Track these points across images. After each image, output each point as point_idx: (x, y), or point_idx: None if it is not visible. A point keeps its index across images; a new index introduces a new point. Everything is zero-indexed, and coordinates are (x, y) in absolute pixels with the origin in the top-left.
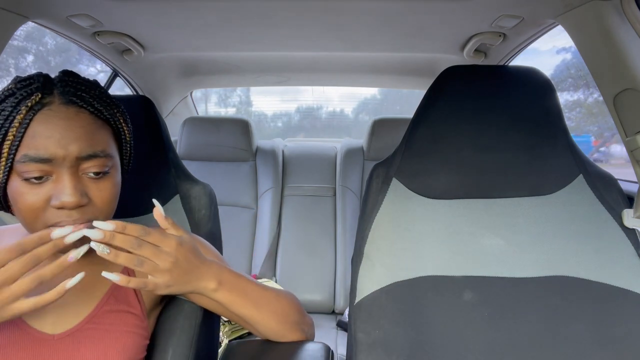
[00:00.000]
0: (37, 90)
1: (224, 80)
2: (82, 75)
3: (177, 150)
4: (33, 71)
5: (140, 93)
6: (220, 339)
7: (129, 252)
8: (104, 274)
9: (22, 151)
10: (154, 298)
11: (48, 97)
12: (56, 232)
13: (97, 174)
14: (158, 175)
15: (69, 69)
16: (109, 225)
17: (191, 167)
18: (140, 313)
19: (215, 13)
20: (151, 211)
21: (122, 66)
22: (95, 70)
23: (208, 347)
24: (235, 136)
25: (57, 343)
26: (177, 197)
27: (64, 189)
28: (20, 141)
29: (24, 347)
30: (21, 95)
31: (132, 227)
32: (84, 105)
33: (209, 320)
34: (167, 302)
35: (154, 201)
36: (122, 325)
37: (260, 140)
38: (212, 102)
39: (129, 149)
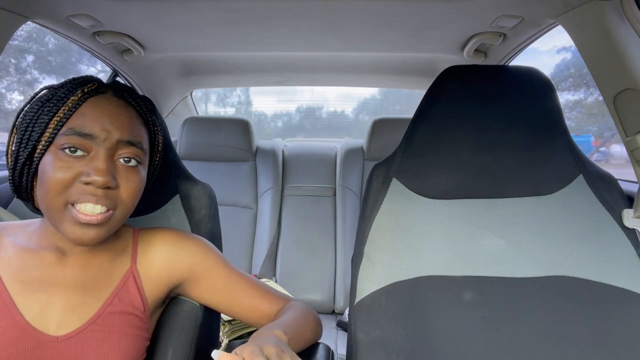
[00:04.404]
0: (95, 80)
1: (224, 80)
2: (82, 74)
3: (177, 150)
4: (33, 71)
5: (140, 93)
6: (220, 339)
7: None
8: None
9: (68, 125)
10: (157, 298)
11: (104, 88)
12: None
13: (128, 160)
14: (158, 175)
15: (69, 69)
16: None
17: (191, 167)
18: (143, 314)
19: (215, 13)
20: (151, 211)
21: (122, 66)
22: (95, 70)
23: (208, 347)
24: (235, 136)
25: (60, 345)
26: (177, 197)
27: (97, 166)
28: (67, 119)
29: (26, 349)
30: (78, 82)
31: None
32: (133, 102)
33: (209, 320)
34: (167, 302)
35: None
36: (126, 327)
37: (260, 140)
38: (211, 102)
39: (156, 160)
